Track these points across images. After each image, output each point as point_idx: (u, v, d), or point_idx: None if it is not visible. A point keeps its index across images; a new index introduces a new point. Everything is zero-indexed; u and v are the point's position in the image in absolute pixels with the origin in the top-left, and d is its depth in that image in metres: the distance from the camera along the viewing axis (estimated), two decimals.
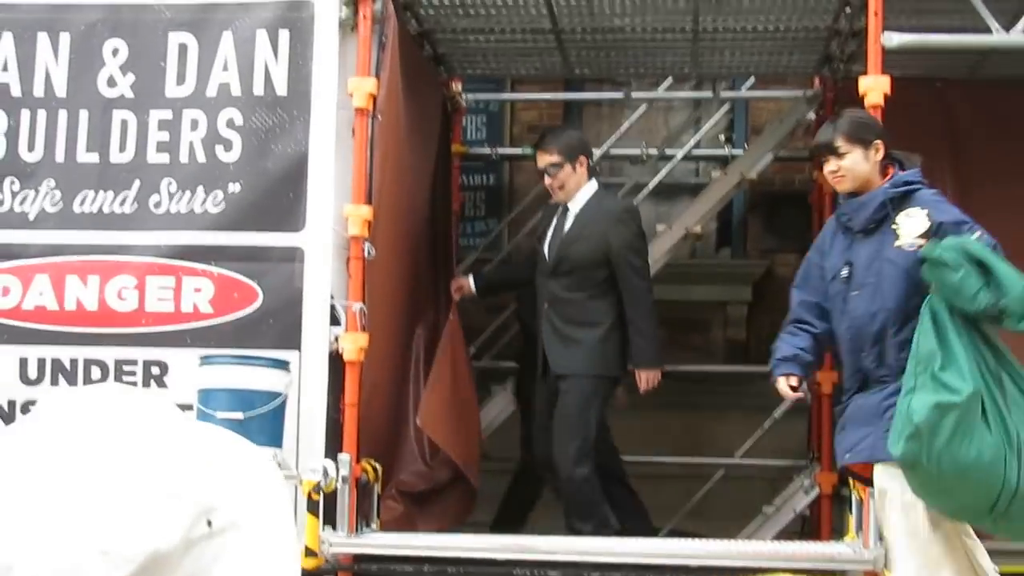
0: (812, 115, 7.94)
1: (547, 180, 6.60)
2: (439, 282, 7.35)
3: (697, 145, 9.08)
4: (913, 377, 4.81)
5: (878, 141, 5.26)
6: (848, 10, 6.52)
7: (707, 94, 8.89)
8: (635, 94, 8.78)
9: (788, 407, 7.95)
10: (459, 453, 6.65)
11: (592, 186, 6.63)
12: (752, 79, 8.78)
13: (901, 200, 5.14)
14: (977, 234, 4.98)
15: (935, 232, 5.00)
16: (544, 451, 6.49)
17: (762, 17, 6.81)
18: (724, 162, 8.99)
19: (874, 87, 5.80)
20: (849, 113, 5.43)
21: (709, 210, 8.28)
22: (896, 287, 5.03)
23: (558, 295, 6.51)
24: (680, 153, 8.89)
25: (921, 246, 5.00)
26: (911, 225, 5.07)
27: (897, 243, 5.07)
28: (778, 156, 8.29)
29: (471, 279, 7.11)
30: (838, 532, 7.35)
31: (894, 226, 5.09)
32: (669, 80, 8.91)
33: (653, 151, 8.93)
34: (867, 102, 5.82)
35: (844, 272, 5.19)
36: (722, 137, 9.49)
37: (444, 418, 6.63)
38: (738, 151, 8.91)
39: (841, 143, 5.24)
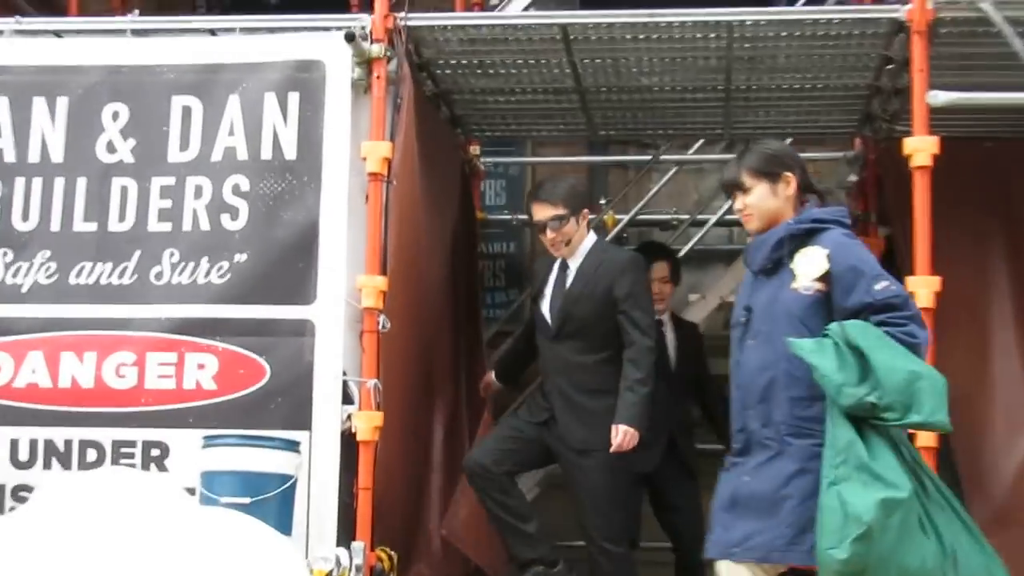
0: (854, 177, 7.94)
1: (549, 235, 6.37)
2: (460, 357, 7.35)
3: (730, 210, 9.06)
4: (833, 468, 4.51)
5: (788, 174, 5.06)
6: (890, 67, 6.54)
7: None
8: (664, 156, 8.80)
9: None
10: (486, 557, 6.62)
11: (592, 238, 6.52)
12: (789, 140, 8.78)
13: (804, 239, 4.91)
14: (881, 284, 4.73)
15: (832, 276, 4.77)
16: (481, 456, 6.37)
17: (798, 76, 6.84)
18: None
19: (920, 148, 5.82)
20: (756, 145, 5.25)
21: None
22: (789, 337, 4.75)
23: (568, 360, 6.35)
24: (713, 218, 8.89)
25: (820, 290, 4.79)
26: (807, 266, 4.85)
27: (793, 285, 4.86)
28: None
29: (492, 374, 7.00)
30: None
31: (792, 266, 4.89)
32: (700, 142, 8.94)
33: (684, 216, 8.93)
34: (913, 164, 5.84)
35: (743, 318, 5.00)
36: None
37: (472, 525, 6.58)
38: None
39: (746, 178, 5.07)
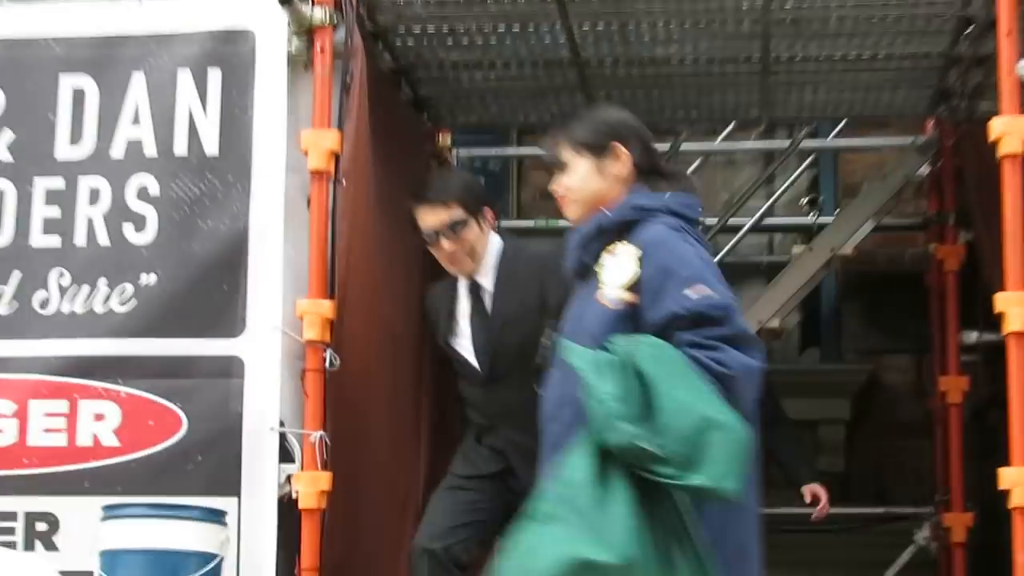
0: (926, 168, 7.98)
1: (445, 247, 6.23)
2: (428, 397, 7.34)
3: (770, 212, 9.11)
4: (552, 503, 4.24)
5: (619, 147, 4.87)
6: (970, 30, 6.60)
7: (782, 144, 8.94)
8: (685, 145, 8.83)
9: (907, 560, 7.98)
10: None
11: (497, 242, 6.34)
12: (843, 124, 8.82)
13: (619, 234, 4.71)
14: (696, 289, 4.46)
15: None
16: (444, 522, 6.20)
17: (855, 42, 6.87)
18: (808, 233, 9.02)
19: (1009, 131, 5.82)
20: (587, 112, 5.18)
21: (790, 298, 8.29)
22: None
23: (510, 406, 6.12)
24: (749, 222, 8.91)
25: (629, 302, 4.58)
26: (613, 269, 4.66)
27: (596, 295, 4.68)
28: (881, 225, 8.33)
29: None
30: None
31: (597, 269, 4.72)
32: (731, 127, 8.96)
33: (711, 220, 8.95)
34: (1001, 151, 5.84)
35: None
36: (804, 201, 9.52)
37: None
38: (826, 219, 8.93)
39: (565, 152, 4.93)
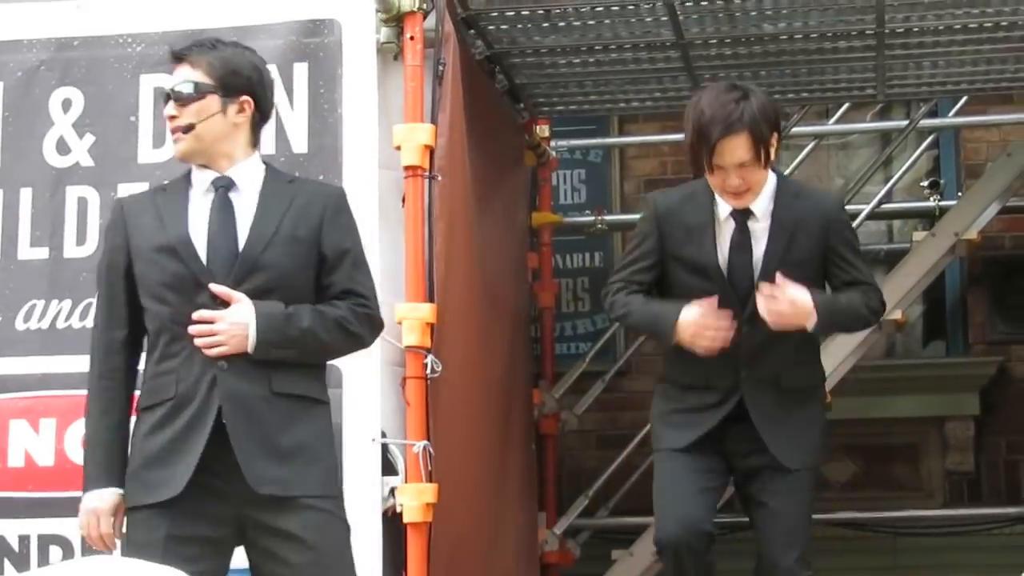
0: None
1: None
2: (515, 408, 7.37)
3: (889, 196, 9.06)
4: None
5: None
6: None
7: (900, 124, 8.90)
8: (797, 128, 8.79)
9: None
10: None
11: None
12: (964, 100, 8.77)
13: None
14: None
15: None
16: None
17: (975, 11, 6.82)
18: (930, 218, 8.97)
19: None
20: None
21: (912, 288, 8.24)
22: None
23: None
24: (866, 209, 8.87)
25: None
26: None
27: None
28: (1007, 206, 8.29)
29: None
30: None
31: None
32: (845, 107, 8.93)
33: None
34: None
35: None
36: (925, 184, 9.47)
37: None
38: (949, 202, 8.89)
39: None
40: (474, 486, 6.57)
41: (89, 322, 5.97)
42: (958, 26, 6.98)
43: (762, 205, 5.62)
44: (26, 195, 6.19)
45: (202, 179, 4.83)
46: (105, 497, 4.73)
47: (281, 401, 4.69)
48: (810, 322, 5.53)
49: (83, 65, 6.27)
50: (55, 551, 5.88)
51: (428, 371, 5.97)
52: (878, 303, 5.79)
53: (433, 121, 6.14)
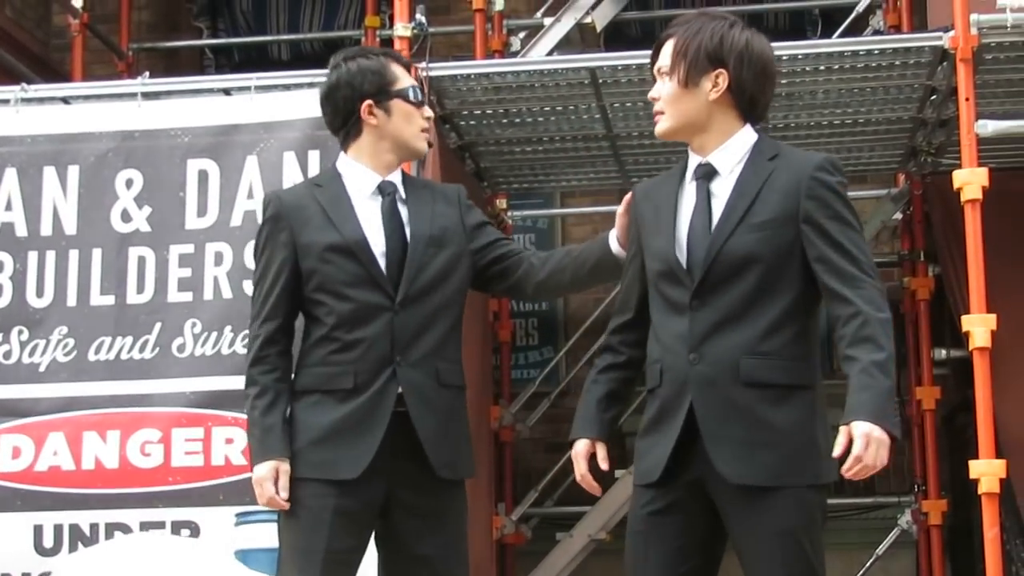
0: (899, 215, 7.94)
1: None
2: (481, 421, 7.34)
3: None
4: None
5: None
6: (935, 97, 6.55)
7: None
8: None
9: (893, 541, 7.92)
10: None
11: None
12: None
13: None
14: None
15: None
16: None
17: (838, 111, 6.86)
18: None
19: (970, 181, 5.80)
20: None
21: None
22: None
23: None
24: None
25: None
26: None
27: None
28: None
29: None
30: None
31: None
32: None
33: None
34: (964, 197, 5.83)
35: None
36: None
37: None
38: None
39: None
40: None
41: (148, 354, 6.00)
42: (825, 122, 7.02)
43: (728, 162, 3.79)
44: (97, 254, 6.17)
45: (370, 182, 4.20)
46: (267, 467, 4.06)
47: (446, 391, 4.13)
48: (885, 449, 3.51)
49: (142, 151, 6.27)
50: (118, 536, 5.84)
51: None
52: (888, 331, 3.63)
53: None
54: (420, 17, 6.31)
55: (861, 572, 8.03)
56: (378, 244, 4.12)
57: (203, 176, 6.20)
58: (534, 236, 9.62)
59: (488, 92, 6.59)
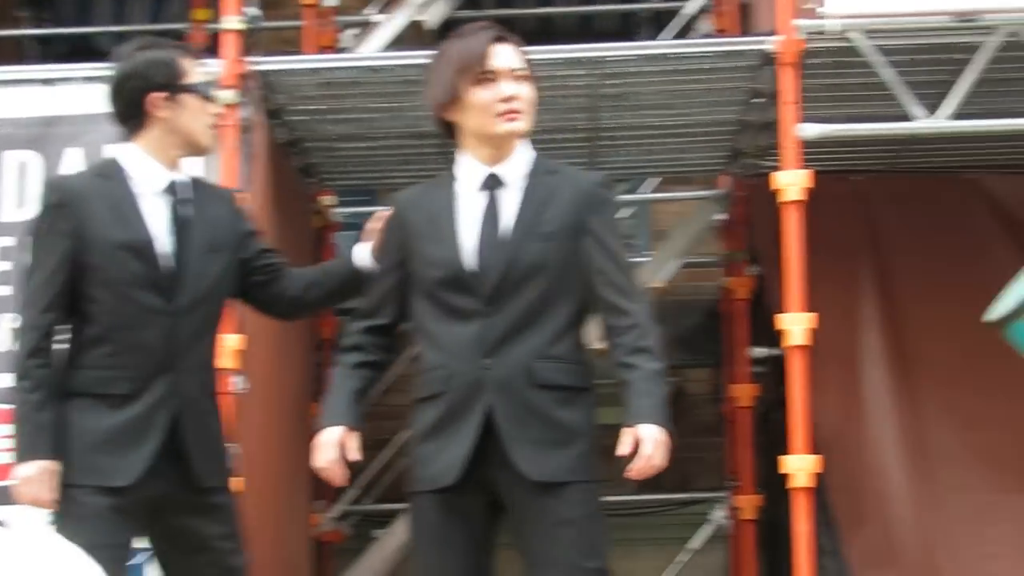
0: (722, 216, 8.03)
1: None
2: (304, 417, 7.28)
3: None
4: None
5: None
6: (759, 100, 6.61)
7: None
8: None
9: (708, 535, 8.01)
10: None
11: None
12: (653, 180, 8.87)
13: None
14: None
15: None
16: None
17: (665, 112, 6.89)
18: None
19: (791, 183, 5.90)
20: None
21: None
22: None
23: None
24: None
25: None
26: None
27: None
28: (686, 262, 8.36)
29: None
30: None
31: None
32: None
33: None
34: (784, 199, 5.92)
35: None
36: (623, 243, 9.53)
37: None
38: (642, 259, 8.96)
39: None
40: (273, 480, 6.45)
41: None
42: (652, 123, 7.05)
43: (514, 173, 3.98)
44: None
45: (156, 179, 4.19)
46: (35, 467, 4.00)
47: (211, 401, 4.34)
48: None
49: None
50: None
51: (238, 387, 5.83)
52: (660, 345, 4.09)
53: (245, 192, 6.04)
54: (252, 10, 6.23)
55: (675, 566, 8.12)
56: (163, 246, 4.13)
57: (23, 168, 6.01)
58: (359, 233, 9.54)
59: (319, 88, 6.49)
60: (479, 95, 3.95)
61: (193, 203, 4.23)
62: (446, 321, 3.91)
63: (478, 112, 3.96)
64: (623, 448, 3.86)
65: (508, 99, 3.94)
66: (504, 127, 3.95)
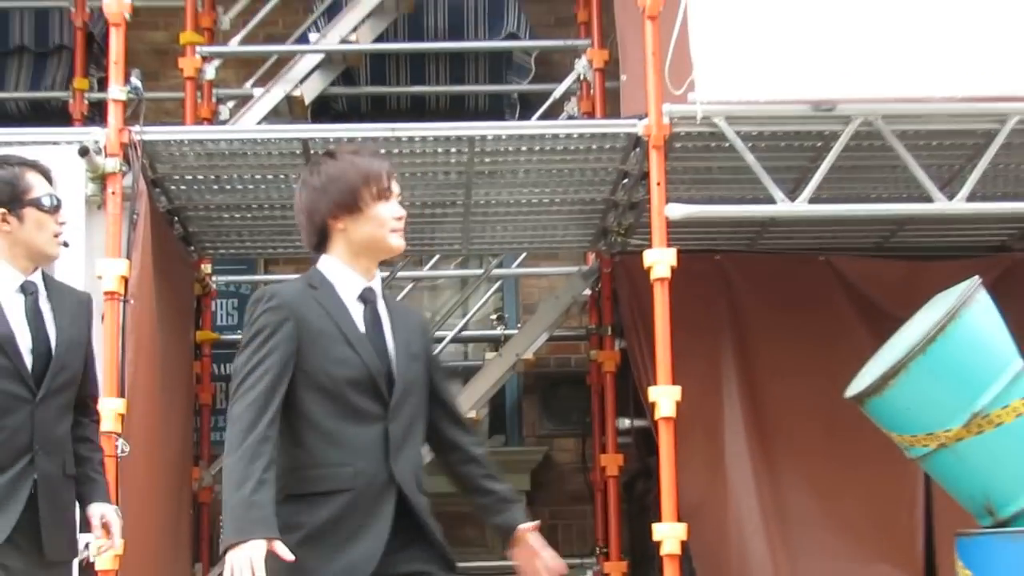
0: (588, 291, 8.16)
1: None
2: (184, 480, 7.27)
3: (466, 326, 9.20)
4: None
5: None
6: (627, 181, 6.75)
7: (476, 272, 9.06)
8: (400, 273, 8.90)
9: None
10: None
11: None
12: (523, 255, 8.99)
13: None
14: None
15: None
16: None
17: (537, 190, 7.01)
18: (496, 343, 9.13)
19: (660, 260, 5.99)
20: None
21: (483, 395, 8.33)
22: None
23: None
24: (449, 335, 9.01)
25: None
26: None
27: None
28: (553, 336, 8.45)
29: None
30: None
31: None
32: (436, 257, 9.06)
33: None
34: (653, 276, 6.01)
35: None
36: (493, 317, 9.64)
37: None
38: (511, 331, 9.06)
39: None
40: (155, 541, 6.43)
41: None
42: (524, 200, 7.18)
43: (377, 291, 4.02)
44: None
45: (11, 280, 4.42)
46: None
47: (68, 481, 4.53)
48: None
49: None
50: None
51: (118, 452, 5.82)
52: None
53: (128, 257, 6.07)
54: (136, 81, 6.25)
55: None
56: (24, 341, 4.35)
57: None
58: (236, 301, 9.56)
59: (200, 158, 6.53)
60: (379, 209, 3.98)
61: (52, 301, 4.46)
62: (349, 421, 3.86)
63: (376, 224, 3.96)
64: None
65: (400, 218, 4.02)
66: (397, 241, 4.00)
